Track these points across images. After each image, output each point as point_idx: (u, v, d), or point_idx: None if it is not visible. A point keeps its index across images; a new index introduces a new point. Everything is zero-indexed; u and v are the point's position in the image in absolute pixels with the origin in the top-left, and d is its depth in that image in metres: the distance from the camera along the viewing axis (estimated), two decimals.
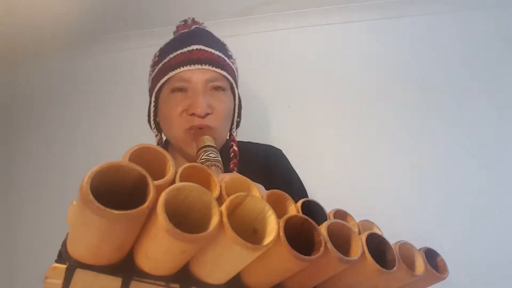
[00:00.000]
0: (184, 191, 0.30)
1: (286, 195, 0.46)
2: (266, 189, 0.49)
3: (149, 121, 0.83)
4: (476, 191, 1.15)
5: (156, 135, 0.83)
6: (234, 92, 0.79)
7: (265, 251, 0.31)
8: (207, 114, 0.71)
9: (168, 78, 0.73)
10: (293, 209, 0.44)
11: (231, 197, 0.32)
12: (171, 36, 0.83)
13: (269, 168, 0.82)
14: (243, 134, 0.88)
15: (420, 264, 0.40)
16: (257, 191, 0.44)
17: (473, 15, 1.28)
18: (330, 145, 1.26)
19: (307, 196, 0.80)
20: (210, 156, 0.65)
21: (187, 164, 0.40)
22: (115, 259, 0.35)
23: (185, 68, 0.71)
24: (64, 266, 0.34)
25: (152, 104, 0.79)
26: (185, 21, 0.84)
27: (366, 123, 1.27)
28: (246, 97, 0.86)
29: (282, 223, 0.33)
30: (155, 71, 0.78)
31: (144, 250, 0.33)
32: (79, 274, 0.34)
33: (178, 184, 0.30)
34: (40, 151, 1.47)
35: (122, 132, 1.38)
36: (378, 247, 0.39)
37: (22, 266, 1.34)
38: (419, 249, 0.42)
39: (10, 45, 1.44)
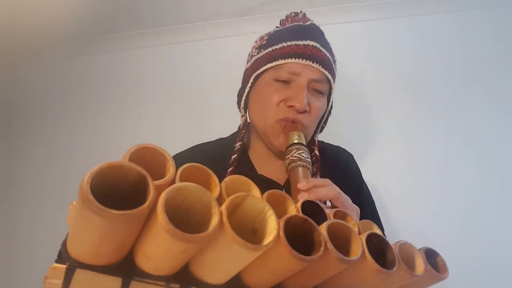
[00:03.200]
0: (184, 191, 0.30)
1: (286, 195, 0.45)
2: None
3: (239, 101, 0.82)
4: (476, 191, 1.15)
5: (242, 116, 0.82)
6: (329, 98, 0.79)
7: (265, 251, 0.31)
8: (304, 111, 0.71)
9: (275, 65, 0.72)
10: (293, 209, 0.43)
11: (231, 197, 0.32)
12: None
13: (342, 171, 0.81)
14: None
15: (420, 264, 0.40)
16: (257, 191, 0.44)
17: (473, 15, 1.28)
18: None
19: (373, 201, 0.79)
20: (303, 156, 0.64)
21: (187, 164, 0.40)
22: (115, 259, 0.35)
23: (297, 60, 0.70)
24: (64, 266, 0.34)
25: (249, 85, 0.77)
26: (296, 13, 0.81)
27: (365, 122, 1.27)
28: None
29: (282, 223, 0.33)
30: (261, 53, 0.76)
31: (144, 250, 0.33)
32: (79, 274, 0.34)
33: (178, 184, 0.30)
34: (40, 151, 1.46)
35: (122, 132, 1.38)
36: (378, 247, 0.39)
37: (22, 266, 1.34)
38: (419, 249, 0.42)
39: (9, 46, 1.44)
